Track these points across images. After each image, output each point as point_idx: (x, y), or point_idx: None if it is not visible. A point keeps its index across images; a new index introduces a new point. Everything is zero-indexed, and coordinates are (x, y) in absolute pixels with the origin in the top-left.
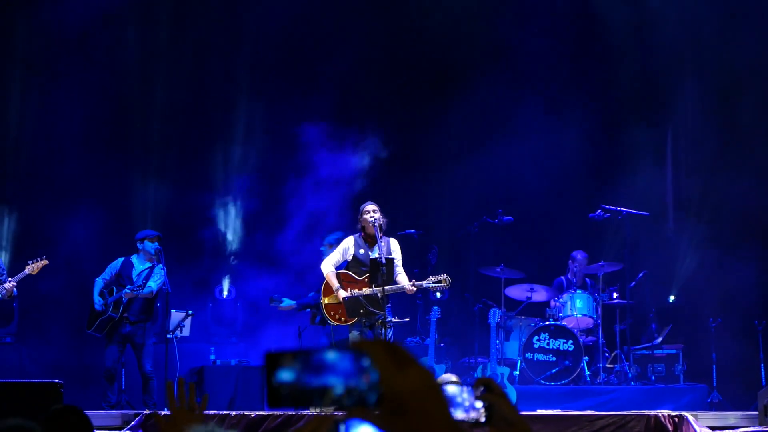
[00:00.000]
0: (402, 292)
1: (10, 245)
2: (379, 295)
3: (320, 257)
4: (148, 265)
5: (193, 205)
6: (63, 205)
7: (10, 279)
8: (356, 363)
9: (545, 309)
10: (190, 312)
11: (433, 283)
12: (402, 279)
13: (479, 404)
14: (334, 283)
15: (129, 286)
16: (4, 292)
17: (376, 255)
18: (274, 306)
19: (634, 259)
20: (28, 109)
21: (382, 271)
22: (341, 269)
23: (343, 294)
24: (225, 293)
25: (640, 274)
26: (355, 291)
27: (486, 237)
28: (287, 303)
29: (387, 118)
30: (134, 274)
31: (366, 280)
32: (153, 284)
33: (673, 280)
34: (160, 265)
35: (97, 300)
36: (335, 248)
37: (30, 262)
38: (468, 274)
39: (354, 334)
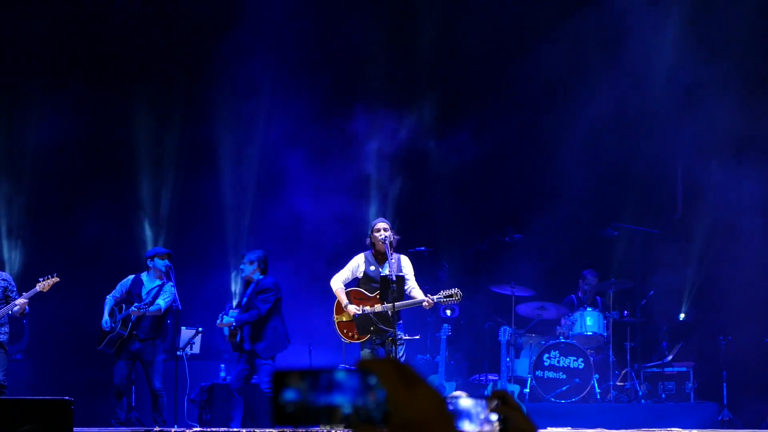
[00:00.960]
0: (415, 308)
1: (20, 262)
2: (389, 312)
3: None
4: (158, 282)
5: (203, 224)
6: (72, 220)
7: (23, 294)
8: (363, 381)
9: (555, 327)
10: (200, 329)
11: (444, 297)
12: (417, 293)
13: (494, 417)
14: (344, 299)
15: (136, 304)
16: (17, 308)
17: (386, 272)
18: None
19: (644, 276)
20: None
21: (392, 288)
22: (352, 287)
23: (353, 310)
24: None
25: (651, 292)
26: (367, 308)
27: (496, 255)
28: (227, 320)
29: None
30: (143, 291)
31: (377, 296)
32: (162, 302)
33: (683, 298)
34: (170, 283)
35: (105, 319)
36: (255, 266)
37: (41, 279)
38: (478, 292)
39: (365, 352)
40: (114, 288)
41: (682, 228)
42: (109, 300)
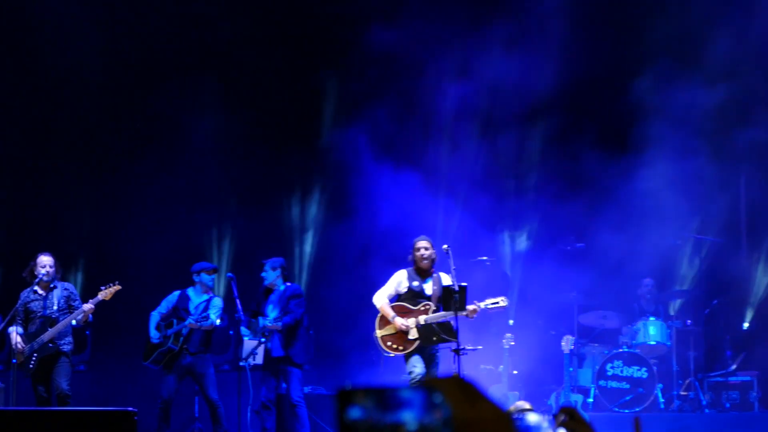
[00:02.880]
0: (478, 318)
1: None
2: (452, 322)
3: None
4: (205, 297)
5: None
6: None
7: (87, 301)
8: (428, 398)
9: (618, 336)
10: (262, 340)
11: (491, 303)
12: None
13: None
14: (390, 313)
15: (192, 317)
16: (81, 316)
17: (429, 287)
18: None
19: (708, 285)
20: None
21: (455, 298)
22: (394, 302)
23: (401, 323)
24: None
25: (714, 301)
26: (410, 321)
27: (559, 264)
28: (270, 325)
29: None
30: (191, 306)
31: (421, 309)
32: (213, 316)
33: (747, 307)
34: (217, 297)
35: (154, 333)
36: (279, 272)
37: (103, 287)
38: (541, 301)
39: (412, 362)
40: (159, 304)
41: (746, 236)
42: (155, 316)
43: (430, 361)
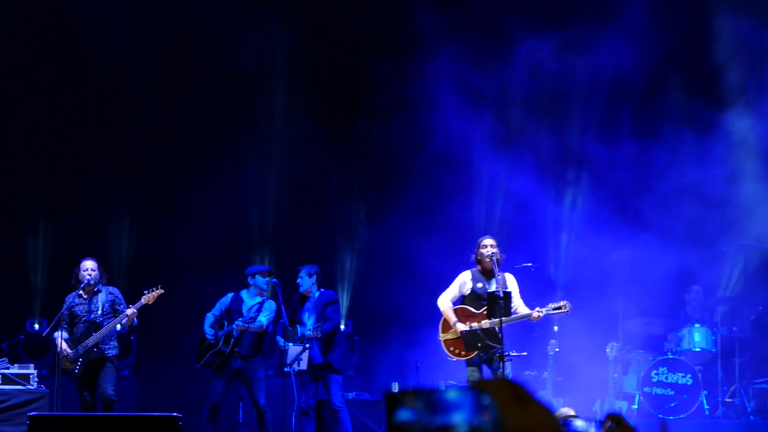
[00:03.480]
0: (523, 323)
1: (127, 275)
2: (497, 328)
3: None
4: (259, 300)
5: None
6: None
7: (130, 306)
8: (478, 401)
9: (663, 342)
10: (307, 345)
11: (553, 309)
12: (523, 310)
13: None
14: (452, 317)
15: (240, 319)
16: (125, 320)
17: (493, 288)
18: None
19: (753, 292)
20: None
21: (499, 304)
22: (458, 305)
23: (461, 327)
24: (342, 326)
25: (760, 308)
26: (474, 324)
27: (604, 270)
28: (308, 333)
29: None
30: (244, 308)
31: (484, 312)
32: (263, 319)
33: None
34: (270, 300)
35: (208, 330)
36: (315, 279)
37: (146, 291)
38: (585, 308)
39: (472, 369)
40: (213, 306)
41: None
42: (209, 317)
43: (495, 366)
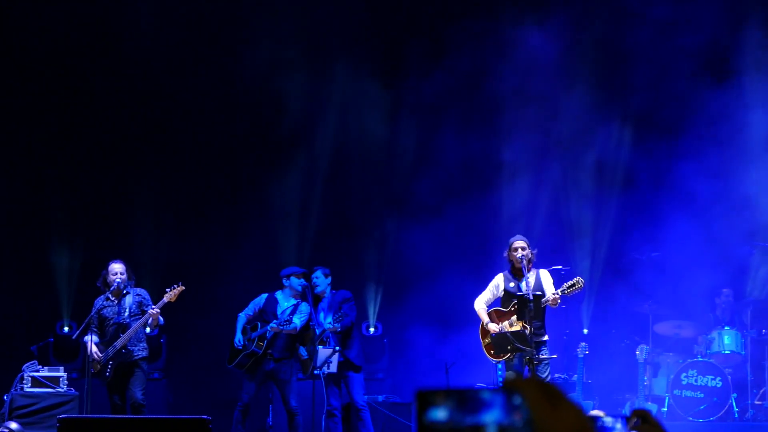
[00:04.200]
0: (551, 324)
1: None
2: (526, 331)
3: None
4: (293, 301)
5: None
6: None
7: (154, 305)
8: (509, 401)
9: (693, 345)
10: (337, 348)
11: (567, 288)
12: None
13: None
14: (484, 318)
15: (275, 321)
16: (150, 320)
17: (524, 290)
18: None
19: None
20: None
21: (529, 307)
22: (494, 307)
23: (493, 328)
24: (371, 329)
25: None
26: (505, 325)
27: (634, 273)
28: (328, 327)
29: None
30: (278, 310)
31: (512, 310)
32: (297, 320)
33: None
34: (305, 303)
35: (238, 337)
36: (330, 279)
37: (168, 290)
38: (615, 310)
39: (508, 373)
40: (246, 306)
41: None
42: (242, 318)
43: (533, 367)
